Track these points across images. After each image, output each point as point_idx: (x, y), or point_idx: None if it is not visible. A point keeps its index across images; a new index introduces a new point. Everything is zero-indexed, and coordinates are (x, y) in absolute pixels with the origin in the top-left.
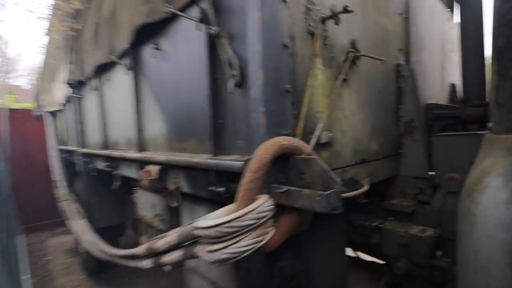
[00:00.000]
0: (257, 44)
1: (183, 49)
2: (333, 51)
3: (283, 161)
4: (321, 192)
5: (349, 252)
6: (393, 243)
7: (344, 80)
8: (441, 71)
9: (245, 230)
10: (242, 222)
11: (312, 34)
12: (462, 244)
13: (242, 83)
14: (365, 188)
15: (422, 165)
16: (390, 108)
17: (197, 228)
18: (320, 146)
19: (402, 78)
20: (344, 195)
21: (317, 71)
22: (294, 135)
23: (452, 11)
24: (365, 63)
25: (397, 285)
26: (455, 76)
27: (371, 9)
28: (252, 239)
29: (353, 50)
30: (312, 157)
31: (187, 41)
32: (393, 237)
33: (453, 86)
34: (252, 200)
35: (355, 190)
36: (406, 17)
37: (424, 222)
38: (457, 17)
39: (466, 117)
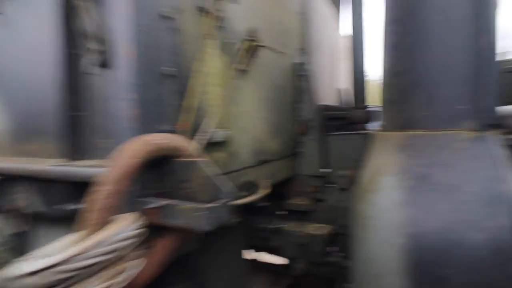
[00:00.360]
0: (127, 9)
1: (30, 14)
2: (231, 37)
3: (162, 166)
4: (203, 206)
5: (251, 255)
6: (291, 243)
7: (244, 71)
8: (330, 75)
9: (91, 272)
10: (85, 261)
11: (204, 11)
12: (355, 251)
13: (107, 62)
14: (266, 191)
15: (318, 163)
16: (289, 106)
17: (8, 278)
18: (214, 145)
19: (300, 77)
20: (243, 200)
21: (211, 57)
22: (177, 132)
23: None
24: (266, 57)
25: (299, 285)
26: (340, 81)
27: (273, 2)
28: (103, 282)
29: (253, 38)
30: (195, 159)
31: (35, 2)
32: (291, 237)
33: (339, 91)
34: (108, 223)
35: (255, 193)
36: (305, 18)
37: (321, 219)
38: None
39: (354, 118)
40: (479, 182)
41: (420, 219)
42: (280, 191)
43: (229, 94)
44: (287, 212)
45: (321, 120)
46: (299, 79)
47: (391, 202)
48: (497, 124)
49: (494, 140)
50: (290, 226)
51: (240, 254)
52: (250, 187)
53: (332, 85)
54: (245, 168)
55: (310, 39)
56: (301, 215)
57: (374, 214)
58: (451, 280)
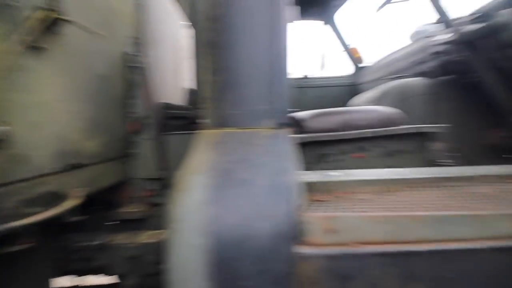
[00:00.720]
0: None
1: None
2: None
3: None
4: None
5: (72, 281)
6: (121, 258)
7: (38, 49)
8: (174, 73)
9: None
10: None
11: None
12: (166, 257)
13: None
14: (74, 202)
15: (155, 165)
16: (117, 101)
17: None
18: None
19: (133, 70)
20: (32, 219)
21: None
22: None
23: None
24: (80, 38)
25: None
26: (185, 81)
27: None
28: None
29: (53, 8)
30: None
31: None
32: (121, 251)
33: (185, 89)
34: None
35: (58, 206)
36: (140, 5)
37: (158, 225)
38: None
39: (194, 117)
40: (268, 175)
41: (221, 216)
42: (108, 199)
43: (9, 75)
44: (118, 223)
45: (160, 119)
46: (131, 71)
47: (197, 202)
48: (288, 124)
49: (284, 138)
50: (120, 239)
51: (46, 285)
52: (52, 199)
53: (176, 83)
54: (42, 175)
55: (147, 29)
56: (135, 224)
57: (181, 215)
58: (243, 272)
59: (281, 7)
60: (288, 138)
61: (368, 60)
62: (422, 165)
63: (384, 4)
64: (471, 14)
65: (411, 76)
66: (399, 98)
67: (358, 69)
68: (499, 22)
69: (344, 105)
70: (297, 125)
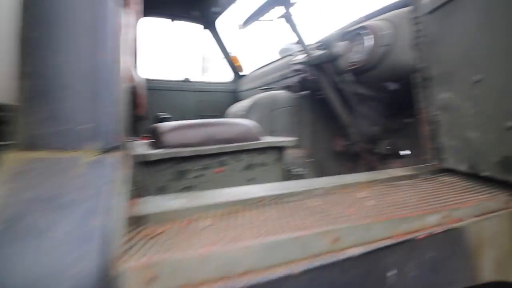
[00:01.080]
0: None
1: None
2: None
3: None
4: None
5: None
6: None
7: None
8: (9, 67)
9: None
10: None
11: None
12: None
13: None
14: None
15: None
16: None
17: None
18: None
19: None
20: None
21: None
22: None
23: None
24: None
25: None
26: None
27: None
28: None
29: None
30: None
31: None
32: None
33: None
34: None
35: None
36: None
37: None
38: None
39: None
40: (77, 219)
41: None
42: None
43: None
44: None
45: None
46: None
47: None
48: (119, 146)
49: (112, 164)
50: None
51: None
52: None
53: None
54: None
55: None
56: None
57: None
58: None
59: (109, 4)
60: (117, 164)
61: (249, 69)
62: (279, 175)
63: (248, 21)
64: (317, 42)
65: (279, 88)
66: (267, 109)
67: (238, 77)
68: (334, 52)
69: (224, 111)
70: (156, 139)
